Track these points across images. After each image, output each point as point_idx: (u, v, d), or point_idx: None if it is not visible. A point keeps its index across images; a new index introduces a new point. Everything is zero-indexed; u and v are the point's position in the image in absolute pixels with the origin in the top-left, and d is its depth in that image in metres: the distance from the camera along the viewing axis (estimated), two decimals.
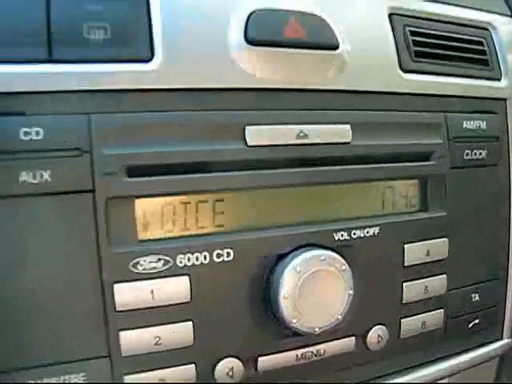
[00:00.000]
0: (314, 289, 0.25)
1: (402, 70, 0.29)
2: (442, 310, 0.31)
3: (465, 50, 0.33)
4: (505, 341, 0.36)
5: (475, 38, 0.33)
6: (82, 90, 0.22)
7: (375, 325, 0.29)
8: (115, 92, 0.23)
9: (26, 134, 0.21)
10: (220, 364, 0.25)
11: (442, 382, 0.34)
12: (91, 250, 0.22)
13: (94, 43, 0.22)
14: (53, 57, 0.22)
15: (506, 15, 0.36)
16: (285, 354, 0.26)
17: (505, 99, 0.34)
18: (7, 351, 0.22)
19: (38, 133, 0.21)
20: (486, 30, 0.34)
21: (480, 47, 0.33)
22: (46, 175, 0.21)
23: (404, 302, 0.29)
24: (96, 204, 0.22)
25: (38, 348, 0.22)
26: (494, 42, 0.34)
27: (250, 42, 0.25)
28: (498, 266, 0.34)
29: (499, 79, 0.34)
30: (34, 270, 0.22)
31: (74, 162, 0.22)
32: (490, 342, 0.35)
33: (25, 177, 0.21)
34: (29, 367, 0.22)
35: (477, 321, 0.33)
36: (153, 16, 0.24)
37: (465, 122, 0.31)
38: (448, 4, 0.33)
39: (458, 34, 0.33)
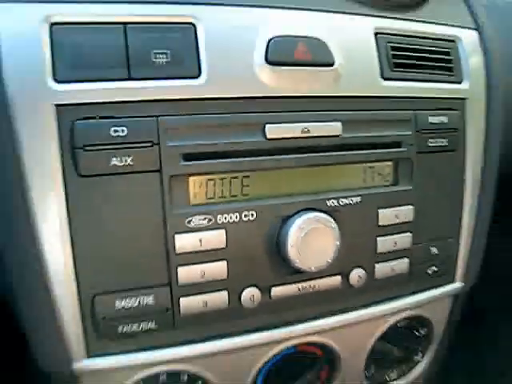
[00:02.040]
0: (312, 240, 0.35)
1: (382, 78, 0.39)
2: (407, 260, 0.41)
3: (434, 59, 0.41)
4: (456, 284, 0.46)
5: (443, 49, 0.42)
6: (152, 99, 0.32)
7: (356, 267, 0.39)
8: (174, 101, 0.32)
9: (115, 131, 0.31)
10: (245, 291, 0.36)
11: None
12: (159, 211, 0.32)
13: (159, 65, 0.32)
14: (131, 76, 0.31)
15: (472, 28, 0.45)
16: (290, 286, 0.37)
17: (464, 99, 0.43)
18: (108, 280, 0.32)
19: (123, 130, 0.31)
20: (453, 41, 0.43)
21: (446, 57, 0.42)
22: (129, 160, 0.31)
23: (378, 252, 0.40)
24: (162, 180, 0.32)
25: (125, 277, 0.33)
26: (458, 52, 0.43)
27: (270, 62, 0.34)
28: (452, 227, 0.44)
29: (460, 82, 0.43)
30: (121, 225, 0.32)
31: (148, 151, 0.32)
32: (445, 284, 0.46)
33: (114, 161, 0.31)
34: (118, 290, 0.33)
35: (435, 268, 0.44)
36: (199, 44, 0.33)
37: (430, 118, 0.40)
38: (423, 22, 0.42)
39: (429, 46, 0.41)
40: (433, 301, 0.46)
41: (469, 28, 0.45)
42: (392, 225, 0.40)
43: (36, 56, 0.29)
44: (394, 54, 0.39)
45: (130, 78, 0.31)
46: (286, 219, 0.36)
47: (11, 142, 0.29)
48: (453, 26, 0.44)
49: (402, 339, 0.48)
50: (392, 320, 0.44)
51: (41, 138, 0.30)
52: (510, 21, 0.53)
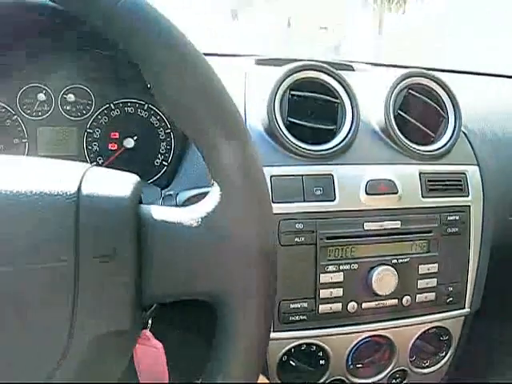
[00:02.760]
0: (384, 279, 0.71)
1: (422, 197, 0.74)
2: (434, 293, 0.74)
3: (452, 185, 0.76)
4: (465, 309, 0.80)
5: (457, 179, 0.77)
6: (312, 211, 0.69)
7: (406, 295, 0.74)
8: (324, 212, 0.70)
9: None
10: (349, 304, 0.72)
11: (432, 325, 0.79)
12: (313, 262, 0.69)
13: (317, 195, 0.69)
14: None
15: (474, 164, 0.80)
16: (372, 302, 0.73)
17: (469, 205, 0.77)
18: (286, 293, 0.69)
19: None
20: (463, 174, 0.78)
21: (459, 183, 0.76)
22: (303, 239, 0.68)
23: (418, 288, 0.73)
24: (316, 248, 0.69)
25: (295, 294, 0.70)
26: (467, 180, 0.77)
27: (368, 193, 0.71)
28: (462, 275, 0.78)
29: (467, 196, 0.77)
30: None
31: (310, 235, 0.69)
32: (458, 309, 0.80)
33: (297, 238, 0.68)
34: (292, 299, 0.70)
35: (451, 299, 0.77)
36: (335, 184, 0.70)
37: (448, 217, 0.75)
38: (446, 164, 0.77)
39: (448, 178, 0.77)
40: (450, 318, 0.79)
41: (472, 164, 0.80)
42: (426, 273, 0.74)
43: None
44: (429, 184, 0.75)
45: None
46: (372, 268, 0.71)
47: None
48: (463, 164, 0.79)
49: (432, 340, 0.81)
50: (425, 327, 0.77)
51: None
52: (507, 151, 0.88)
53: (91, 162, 0.83)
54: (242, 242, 0.38)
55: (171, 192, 0.63)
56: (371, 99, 0.77)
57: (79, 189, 0.36)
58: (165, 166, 0.83)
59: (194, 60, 0.38)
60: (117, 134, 0.84)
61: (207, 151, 0.39)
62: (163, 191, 0.68)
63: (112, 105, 0.83)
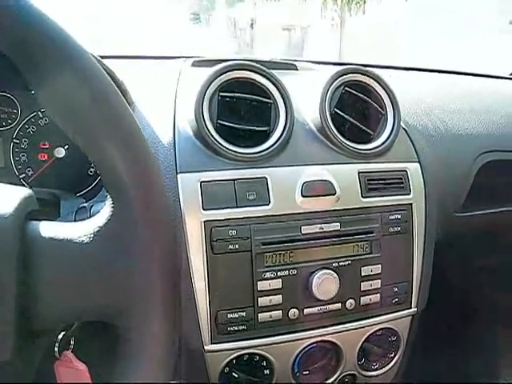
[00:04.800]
0: (324, 283, 0.69)
1: (362, 197, 0.72)
2: (378, 295, 0.73)
3: (393, 183, 0.75)
4: (412, 309, 0.79)
5: (398, 177, 0.75)
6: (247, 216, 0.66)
7: (349, 298, 0.72)
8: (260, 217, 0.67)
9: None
10: (290, 311, 0.69)
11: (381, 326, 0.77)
12: (250, 270, 0.67)
13: (250, 200, 0.67)
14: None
15: (415, 161, 0.79)
16: (314, 308, 0.70)
17: (411, 204, 0.76)
18: (225, 303, 0.66)
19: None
20: (404, 171, 0.76)
21: (400, 181, 0.75)
22: (237, 246, 0.65)
23: (361, 290, 0.71)
24: (252, 255, 0.66)
25: (232, 303, 0.67)
26: (407, 177, 0.76)
27: (303, 195, 0.68)
28: (407, 275, 0.77)
29: (409, 194, 0.76)
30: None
31: (246, 242, 0.66)
32: (404, 309, 0.78)
33: (230, 246, 0.65)
34: (229, 309, 0.67)
35: (397, 299, 0.76)
36: (269, 188, 0.67)
37: (390, 216, 0.73)
38: (387, 162, 0.76)
39: (389, 176, 0.75)
40: (397, 319, 0.78)
41: (413, 162, 0.78)
42: (369, 275, 0.72)
43: None
44: (369, 183, 0.73)
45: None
46: (312, 273, 0.68)
47: None
48: (404, 162, 0.77)
49: (380, 342, 0.80)
50: (372, 329, 0.75)
51: None
52: (450, 145, 0.87)
53: (20, 174, 0.79)
54: (137, 256, 0.35)
55: (85, 204, 0.59)
56: (307, 98, 0.74)
57: None
58: (98, 176, 0.79)
59: (86, 72, 0.35)
60: (47, 143, 0.80)
61: (99, 163, 0.36)
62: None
63: (40, 113, 0.79)
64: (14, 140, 0.79)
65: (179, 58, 0.97)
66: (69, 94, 0.35)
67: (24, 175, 0.80)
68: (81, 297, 0.36)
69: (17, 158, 0.79)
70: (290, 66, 0.97)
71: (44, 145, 0.80)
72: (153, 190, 0.36)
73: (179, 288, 0.38)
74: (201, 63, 0.86)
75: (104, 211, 0.36)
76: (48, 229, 0.36)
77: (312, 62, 1.04)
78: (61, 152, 0.80)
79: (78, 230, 0.36)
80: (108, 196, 0.36)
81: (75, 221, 0.57)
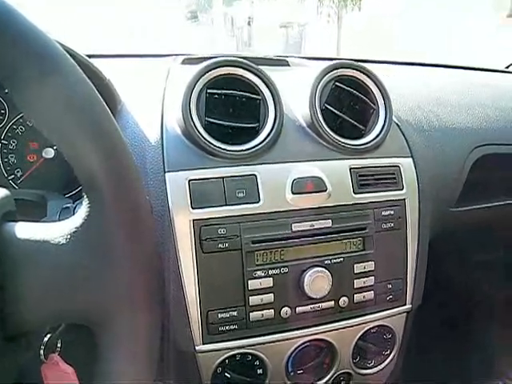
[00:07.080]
0: (317, 281, 0.68)
1: (354, 193, 0.71)
2: (372, 292, 0.73)
3: (385, 179, 0.74)
4: (407, 306, 0.78)
5: (391, 172, 0.74)
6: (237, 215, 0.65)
7: (342, 296, 0.71)
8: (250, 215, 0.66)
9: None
10: (282, 309, 0.68)
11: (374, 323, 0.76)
12: (240, 268, 0.66)
13: (239, 197, 0.66)
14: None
15: (408, 157, 0.77)
16: (306, 306, 0.69)
17: (404, 199, 0.75)
18: (215, 303, 0.65)
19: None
20: (397, 167, 0.75)
21: (393, 176, 0.74)
22: (227, 244, 0.65)
23: (355, 287, 0.70)
24: (242, 254, 0.65)
25: (223, 302, 0.66)
26: (400, 172, 0.75)
27: (294, 193, 0.67)
28: (401, 272, 0.76)
29: (402, 189, 0.75)
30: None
31: (236, 240, 0.65)
32: (399, 306, 0.77)
33: (220, 245, 0.64)
34: (220, 308, 0.66)
35: (391, 296, 0.75)
36: (259, 185, 0.66)
37: (383, 211, 0.72)
38: (379, 157, 0.75)
39: (382, 172, 0.74)
40: (392, 316, 0.77)
41: (406, 156, 0.77)
42: (362, 272, 0.71)
43: None
44: (360, 179, 0.72)
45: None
46: (304, 271, 0.68)
47: None
48: (396, 157, 0.76)
49: (375, 340, 0.79)
50: (367, 327, 0.74)
51: None
52: (442, 139, 0.86)
53: (8, 175, 0.78)
54: (112, 257, 0.34)
55: (69, 205, 0.58)
56: (298, 94, 0.73)
57: None
58: None
59: (62, 70, 0.34)
60: (35, 144, 0.79)
61: (75, 163, 0.35)
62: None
63: None
64: (3, 141, 0.78)
65: (169, 55, 0.96)
66: (43, 97, 0.34)
67: (13, 176, 0.79)
68: (58, 299, 0.35)
69: (5, 160, 0.78)
70: (281, 62, 0.96)
71: (33, 145, 0.79)
72: (129, 190, 0.35)
73: (159, 287, 0.37)
74: (191, 61, 0.85)
75: (80, 212, 0.35)
76: (24, 230, 0.35)
77: (304, 57, 1.03)
78: (49, 152, 0.79)
79: (55, 231, 0.35)
80: (84, 196, 0.35)
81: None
